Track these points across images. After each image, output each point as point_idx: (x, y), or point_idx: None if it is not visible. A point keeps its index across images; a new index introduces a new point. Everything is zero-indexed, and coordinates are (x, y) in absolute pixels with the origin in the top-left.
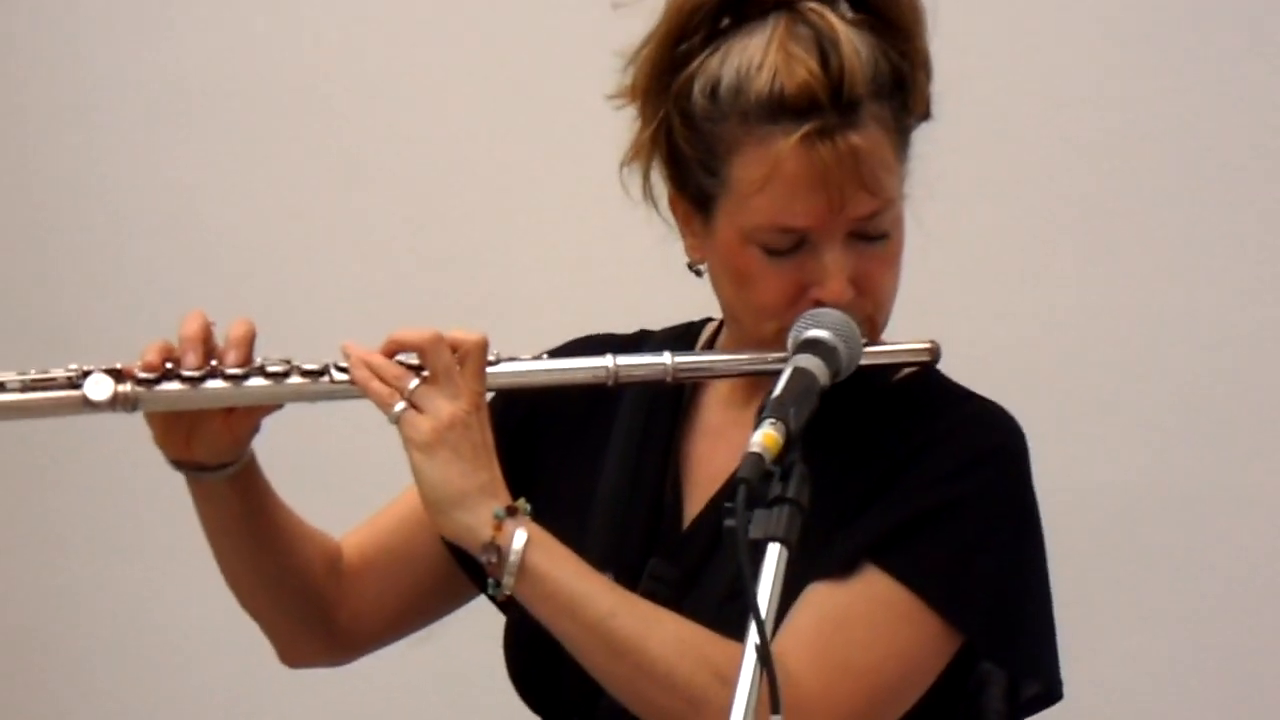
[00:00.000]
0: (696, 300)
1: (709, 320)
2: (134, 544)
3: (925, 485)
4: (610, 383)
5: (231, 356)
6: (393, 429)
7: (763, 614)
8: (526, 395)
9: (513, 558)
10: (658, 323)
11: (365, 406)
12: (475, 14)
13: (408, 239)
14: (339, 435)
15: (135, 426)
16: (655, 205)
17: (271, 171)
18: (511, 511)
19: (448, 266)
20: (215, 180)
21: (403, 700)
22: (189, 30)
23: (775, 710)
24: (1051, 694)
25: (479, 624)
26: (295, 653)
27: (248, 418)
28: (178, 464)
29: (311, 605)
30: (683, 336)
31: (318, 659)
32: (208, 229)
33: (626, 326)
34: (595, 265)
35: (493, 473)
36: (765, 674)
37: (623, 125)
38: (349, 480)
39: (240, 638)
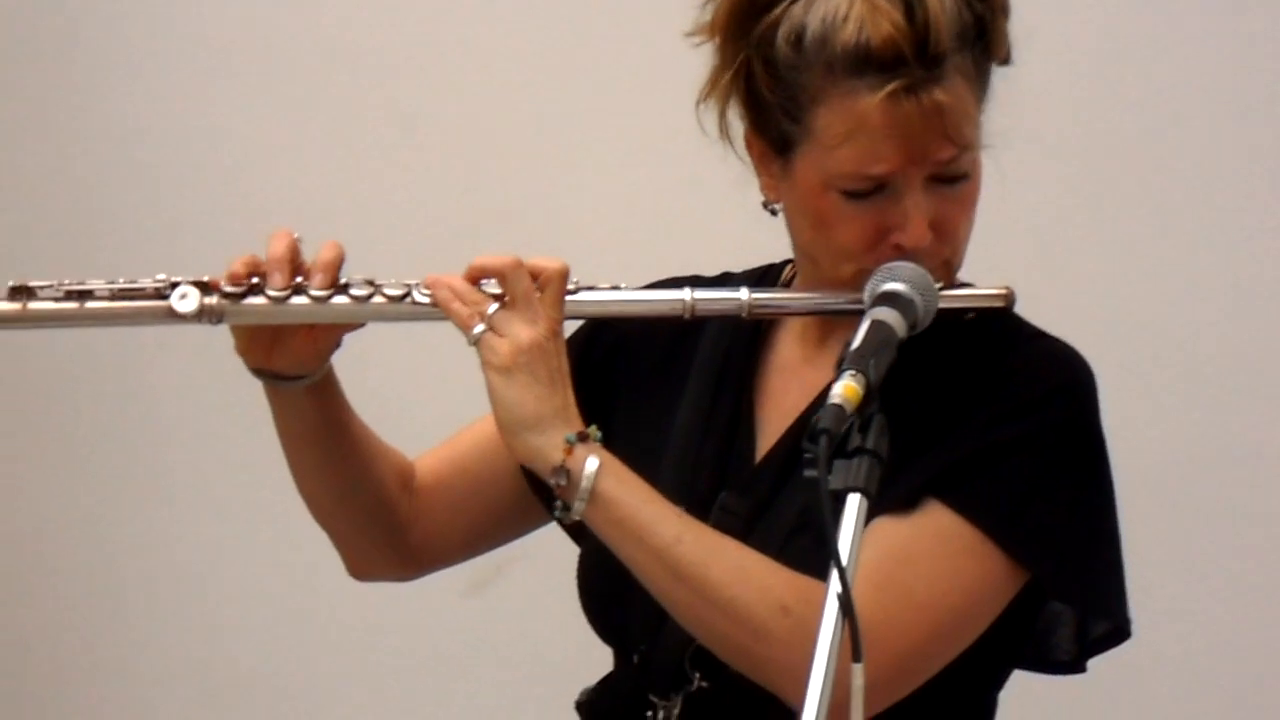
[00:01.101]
0: (761, 241)
1: (789, 261)
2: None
3: (991, 421)
4: (686, 315)
5: (318, 279)
6: (464, 357)
7: (844, 563)
8: (612, 330)
9: (584, 483)
10: (728, 263)
11: (440, 334)
12: None
13: (474, 187)
14: (409, 361)
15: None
16: (731, 143)
17: (332, 123)
18: (583, 437)
19: (516, 214)
20: (275, 133)
21: (465, 639)
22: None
23: (856, 659)
24: (1121, 632)
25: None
26: (364, 566)
27: (330, 332)
28: (257, 372)
29: (383, 520)
30: (763, 277)
31: (386, 573)
32: (267, 183)
33: (696, 267)
34: (667, 205)
35: (566, 398)
36: (847, 623)
37: (695, 62)
38: (417, 406)
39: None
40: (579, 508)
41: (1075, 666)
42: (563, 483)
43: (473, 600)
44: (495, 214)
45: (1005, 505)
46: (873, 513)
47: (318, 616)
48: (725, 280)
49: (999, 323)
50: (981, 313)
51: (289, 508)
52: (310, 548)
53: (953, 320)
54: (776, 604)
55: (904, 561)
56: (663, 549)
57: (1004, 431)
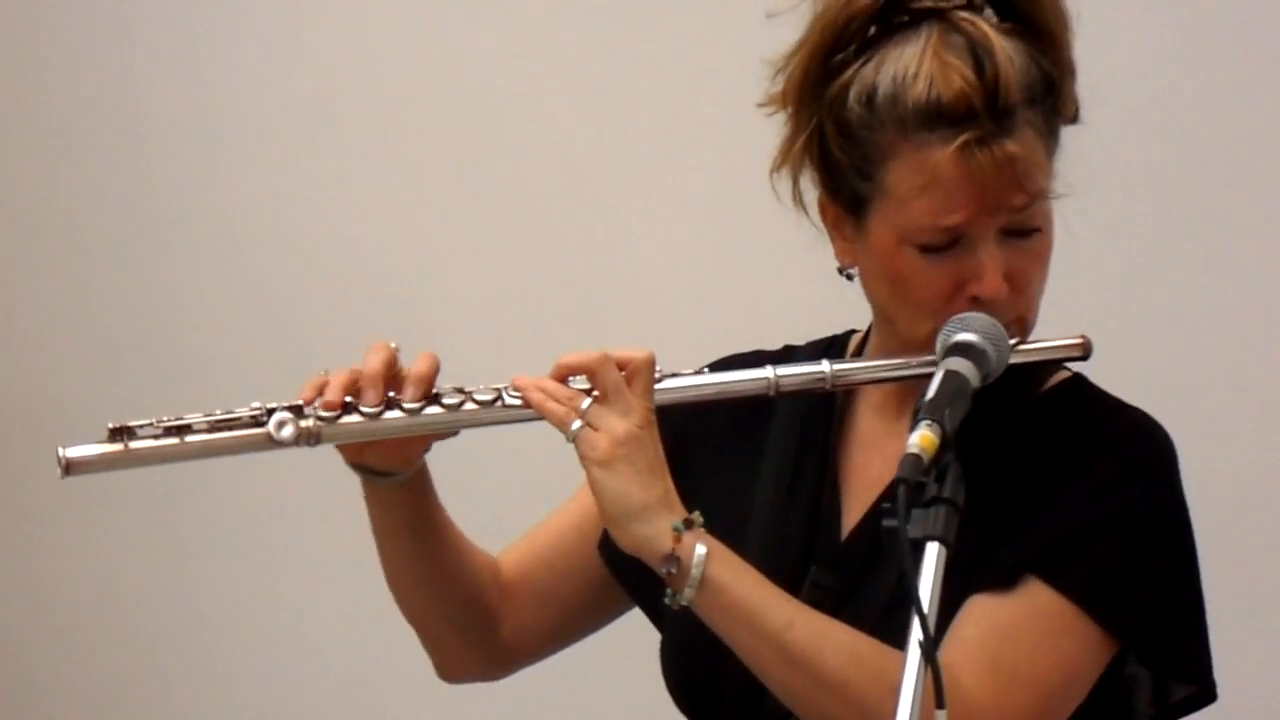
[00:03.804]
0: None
1: (853, 332)
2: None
3: (1084, 498)
4: (771, 393)
5: (410, 393)
6: (533, 453)
7: (924, 611)
8: (674, 415)
9: (694, 570)
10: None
11: (509, 432)
12: (621, 25)
13: (539, 253)
14: (480, 460)
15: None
16: (805, 210)
17: (399, 186)
18: (688, 524)
19: (579, 281)
20: (342, 196)
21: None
22: (314, 48)
23: (940, 705)
24: (1206, 695)
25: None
26: (455, 666)
27: (420, 440)
28: (355, 466)
29: (475, 617)
30: (829, 349)
31: (476, 672)
32: (335, 245)
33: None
34: (732, 272)
35: (667, 485)
36: (930, 670)
37: (768, 131)
38: (491, 504)
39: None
40: (689, 594)
41: None
42: (673, 570)
43: (544, 663)
44: (563, 284)
45: (1103, 582)
46: (969, 587)
47: (390, 673)
48: (790, 354)
49: (1079, 394)
50: (1060, 385)
51: (359, 558)
52: (375, 596)
53: (1033, 390)
54: (888, 686)
55: (1008, 640)
56: (774, 634)
57: (1098, 508)
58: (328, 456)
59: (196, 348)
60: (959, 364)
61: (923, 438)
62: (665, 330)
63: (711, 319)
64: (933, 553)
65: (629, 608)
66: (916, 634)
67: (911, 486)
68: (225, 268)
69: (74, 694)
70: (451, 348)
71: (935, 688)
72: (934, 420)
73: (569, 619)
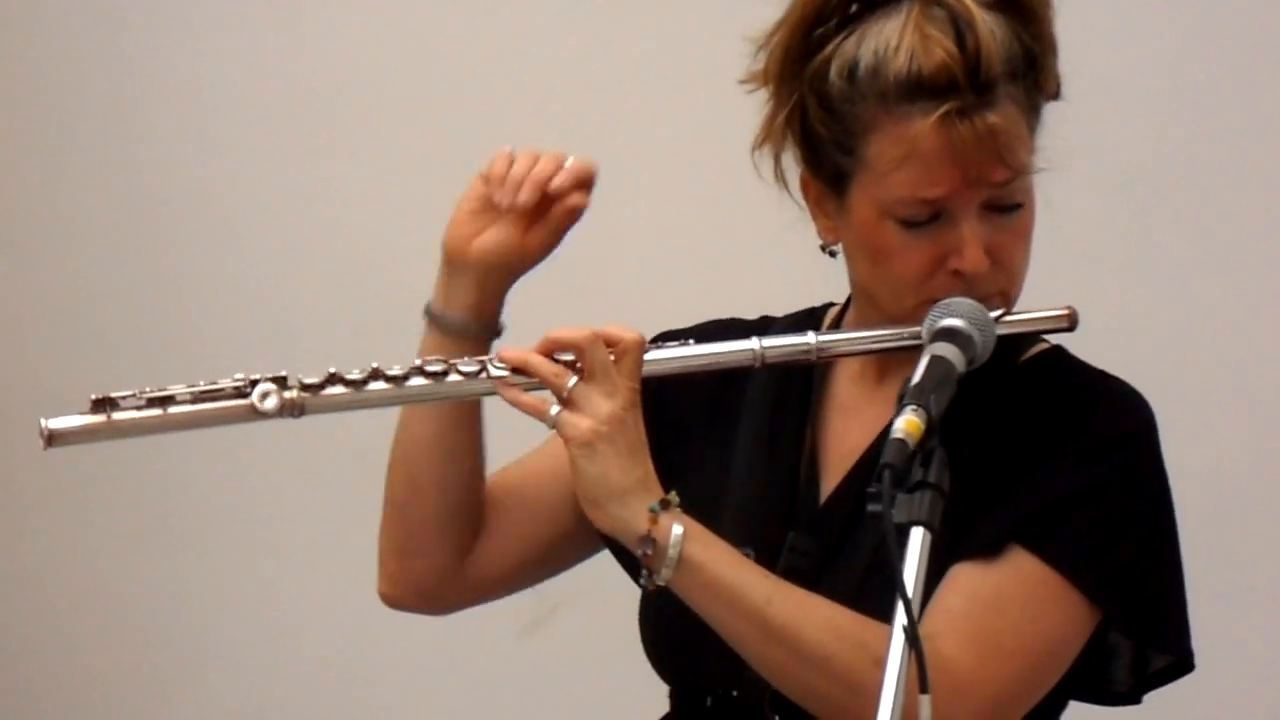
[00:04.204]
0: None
1: (830, 305)
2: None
3: (1067, 467)
4: (757, 364)
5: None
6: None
7: (909, 595)
8: (652, 383)
9: (671, 551)
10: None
11: None
12: (609, 11)
13: None
14: None
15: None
16: (787, 187)
17: (396, 178)
18: (665, 505)
19: (578, 278)
20: (337, 188)
21: (520, 679)
22: (311, 42)
23: (924, 690)
24: (1184, 665)
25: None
26: (405, 579)
27: (501, 282)
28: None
29: (460, 519)
30: (806, 320)
31: (423, 593)
32: (330, 236)
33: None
34: (711, 246)
35: (647, 468)
36: (914, 656)
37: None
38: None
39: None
40: (666, 574)
41: (1131, 698)
42: (649, 551)
43: (528, 640)
44: (561, 280)
45: (1087, 551)
46: (954, 557)
47: (371, 652)
48: (768, 324)
49: (1059, 364)
50: (1039, 355)
51: (349, 551)
52: (364, 586)
53: (1014, 360)
54: (870, 658)
55: (993, 609)
56: (754, 611)
57: (1080, 477)
58: (320, 440)
59: (186, 337)
60: (945, 349)
61: (908, 423)
62: (653, 308)
63: (695, 296)
64: (917, 538)
65: (593, 553)
66: (901, 619)
67: (897, 472)
68: (217, 256)
69: (54, 679)
70: None
71: (920, 673)
72: (919, 405)
73: (533, 554)
